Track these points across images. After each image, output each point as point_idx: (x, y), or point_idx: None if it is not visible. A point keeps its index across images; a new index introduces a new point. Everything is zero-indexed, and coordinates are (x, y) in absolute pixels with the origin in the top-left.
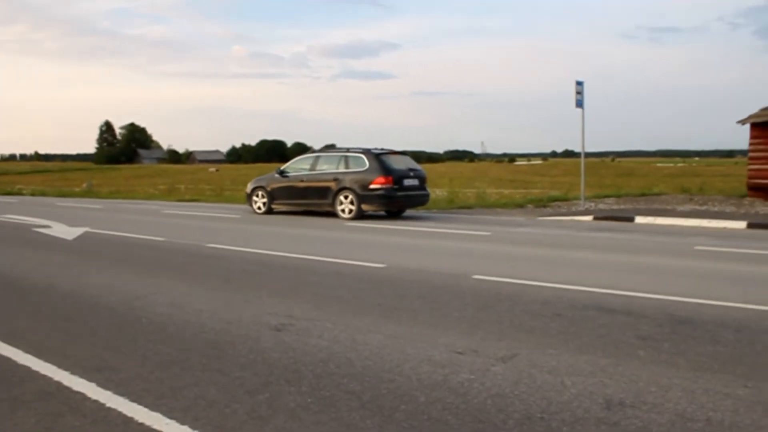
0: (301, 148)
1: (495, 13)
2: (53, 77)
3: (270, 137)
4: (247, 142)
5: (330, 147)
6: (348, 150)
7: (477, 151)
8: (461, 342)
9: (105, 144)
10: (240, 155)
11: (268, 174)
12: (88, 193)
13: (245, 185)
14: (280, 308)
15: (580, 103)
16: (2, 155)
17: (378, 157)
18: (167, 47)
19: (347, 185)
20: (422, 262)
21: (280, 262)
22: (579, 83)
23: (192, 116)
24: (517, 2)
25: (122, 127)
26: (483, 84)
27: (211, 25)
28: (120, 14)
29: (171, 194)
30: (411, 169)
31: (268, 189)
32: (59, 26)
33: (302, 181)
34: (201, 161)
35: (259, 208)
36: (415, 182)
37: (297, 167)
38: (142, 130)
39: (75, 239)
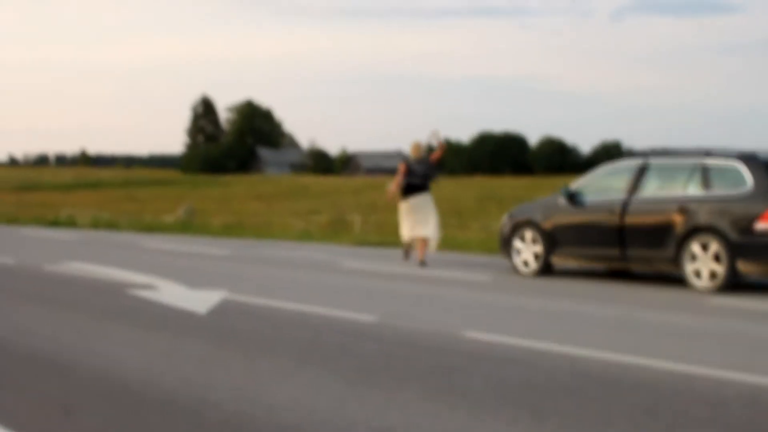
0: (552, 149)
1: None
2: (104, 28)
3: (496, 127)
4: (455, 136)
5: (629, 154)
6: (708, 154)
7: None
8: None
9: (202, 138)
10: (442, 160)
11: (541, 200)
12: (188, 226)
13: (465, 216)
14: None
15: None
16: (27, 157)
17: None
18: None
19: (707, 222)
20: None
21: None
22: None
23: (351, 90)
24: None
25: (231, 108)
26: None
27: None
28: None
29: (337, 231)
30: None
31: (545, 227)
32: None
33: (614, 213)
34: (370, 171)
35: (525, 263)
36: None
37: (602, 185)
38: (266, 115)
39: (210, 313)
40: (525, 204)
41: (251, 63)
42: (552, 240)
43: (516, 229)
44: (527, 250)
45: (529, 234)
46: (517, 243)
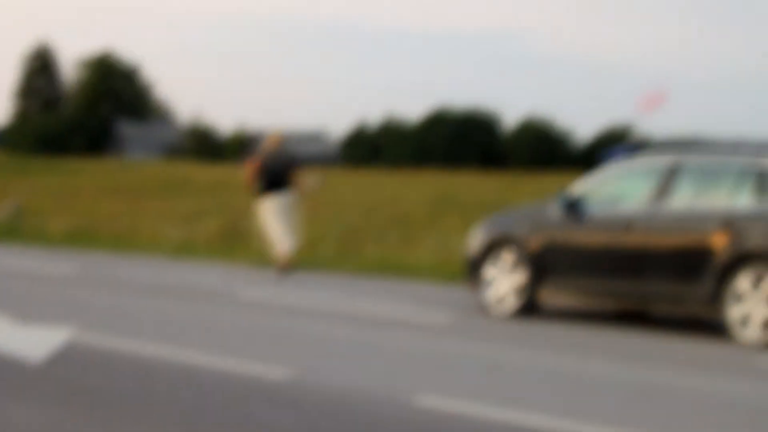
0: (535, 135)
1: None
2: None
3: (456, 102)
4: (398, 113)
5: (648, 146)
6: (764, 149)
7: None
8: None
9: (38, 103)
10: (376, 144)
11: (526, 208)
12: (14, 231)
13: (412, 227)
14: None
15: None
16: None
17: None
18: None
19: (762, 246)
20: None
21: None
22: None
23: (255, 45)
24: None
25: (80, 63)
26: None
27: None
28: None
29: (230, 243)
30: None
31: (531, 247)
32: None
33: (628, 229)
34: None
35: (500, 299)
36: None
37: (614, 191)
38: (130, 75)
39: (48, 362)
40: (503, 213)
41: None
42: (540, 266)
43: (490, 249)
44: (504, 280)
45: (508, 256)
46: (491, 269)
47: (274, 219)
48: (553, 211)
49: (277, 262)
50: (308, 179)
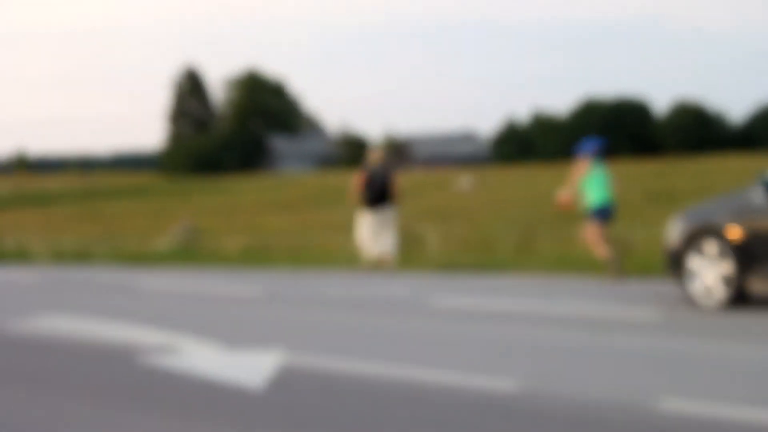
0: (688, 118)
1: None
2: None
3: (605, 91)
4: (547, 107)
5: None
6: None
7: None
8: None
9: (188, 126)
10: (527, 140)
11: (726, 195)
12: (192, 253)
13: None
14: None
15: None
16: None
17: None
18: None
19: None
20: None
21: None
22: None
23: (394, 50)
24: None
25: (229, 83)
26: None
27: None
28: None
29: (407, 251)
30: None
31: (736, 235)
32: None
33: None
34: (429, 161)
35: (708, 290)
36: None
37: None
38: (277, 90)
39: (270, 387)
40: (704, 203)
41: (252, 18)
42: (747, 254)
43: (692, 240)
44: (710, 271)
45: (711, 247)
46: (694, 260)
47: (373, 231)
48: (757, 196)
49: (365, 264)
50: (462, 180)
